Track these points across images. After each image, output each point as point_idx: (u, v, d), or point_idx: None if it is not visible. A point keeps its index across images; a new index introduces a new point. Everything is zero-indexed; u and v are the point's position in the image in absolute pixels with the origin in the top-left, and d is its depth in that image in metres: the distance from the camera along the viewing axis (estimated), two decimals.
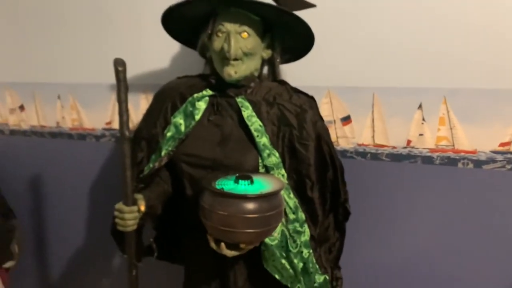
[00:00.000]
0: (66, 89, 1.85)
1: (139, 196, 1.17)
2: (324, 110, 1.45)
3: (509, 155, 1.31)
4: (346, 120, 1.46)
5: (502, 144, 1.31)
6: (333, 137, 1.44)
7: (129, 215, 1.13)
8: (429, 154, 1.38)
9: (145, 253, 1.37)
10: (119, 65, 1.07)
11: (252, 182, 1.09)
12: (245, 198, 1.03)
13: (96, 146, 1.84)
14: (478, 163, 1.34)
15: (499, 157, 1.32)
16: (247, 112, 1.22)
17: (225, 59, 1.17)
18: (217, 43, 1.18)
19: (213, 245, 1.12)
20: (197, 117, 1.23)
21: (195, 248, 1.31)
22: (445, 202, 1.39)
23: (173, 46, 1.53)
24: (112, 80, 1.08)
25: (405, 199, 1.43)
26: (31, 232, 2.05)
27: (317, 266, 1.26)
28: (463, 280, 1.41)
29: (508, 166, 1.31)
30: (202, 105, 1.24)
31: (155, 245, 1.39)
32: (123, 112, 1.09)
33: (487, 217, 1.35)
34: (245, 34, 1.17)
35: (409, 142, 1.40)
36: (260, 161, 1.21)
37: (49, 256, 2.05)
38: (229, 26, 1.16)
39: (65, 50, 1.81)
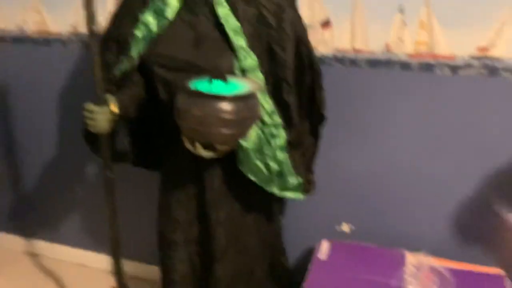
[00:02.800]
0: None
1: (110, 97, 1.14)
2: (304, 12, 1.38)
3: (485, 61, 1.30)
4: (326, 23, 1.41)
5: (480, 49, 1.30)
6: (312, 41, 1.39)
7: (101, 116, 1.10)
8: (407, 60, 1.37)
9: (120, 158, 1.36)
10: None
11: (227, 82, 1.06)
12: (222, 98, 1.01)
13: (63, 52, 1.74)
14: (455, 69, 1.33)
15: (475, 63, 1.31)
16: (223, 10, 1.16)
17: None
18: None
19: (188, 145, 1.11)
20: (168, 15, 1.16)
21: (170, 152, 1.31)
22: (422, 108, 1.40)
23: None
24: None
25: (382, 105, 1.43)
26: None
27: (292, 169, 1.28)
28: (435, 182, 1.46)
29: (484, 72, 1.31)
30: (173, 2, 1.17)
31: (130, 149, 1.37)
32: (89, 4, 1.01)
33: (462, 122, 1.38)
34: None
35: (388, 46, 1.37)
36: (236, 63, 1.17)
37: (20, 168, 2.03)
38: None
39: None
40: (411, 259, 1.41)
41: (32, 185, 2.05)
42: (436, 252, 1.40)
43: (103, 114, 1.10)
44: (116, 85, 1.24)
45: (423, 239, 1.47)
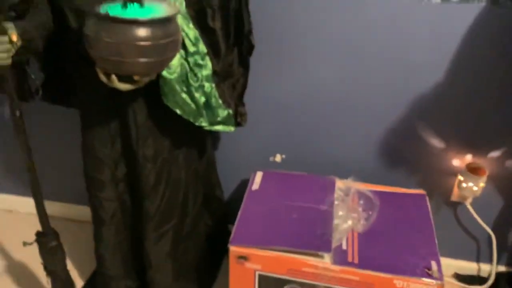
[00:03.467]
0: None
1: (9, 25, 1.00)
2: None
3: None
4: None
5: None
6: None
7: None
8: None
9: (31, 94, 1.24)
10: None
11: (142, 6, 0.97)
12: (135, 22, 0.92)
13: None
14: None
15: None
16: None
17: None
18: None
19: (102, 78, 1.02)
20: None
21: (87, 87, 1.21)
22: (347, 29, 1.37)
23: None
24: None
25: (306, 28, 1.39)
26: None
27: (220, 101, 1.25)
28: (358, 107, 1.48)
29: None
30: None
31: (38, 83, 1.25)
32: None
33: (385, 43, 1.36)
34: None
35: None
36: None
37: None
38: None
39: None
40: (340, 185, 1.45)
41: None
42: (364, 178, 1.45)
43: (2, 45, 0.97)
44: (17, 11, 1.09)
45: (351, 165, 1.51)
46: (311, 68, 1.45)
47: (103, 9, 0.95)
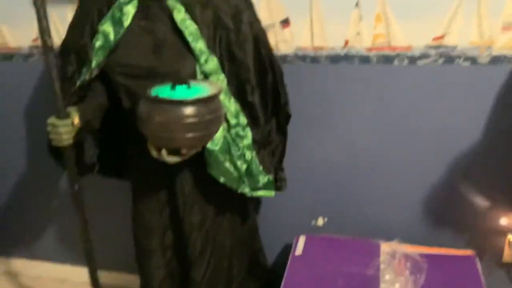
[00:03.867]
0: None
1: (72, 109, 1.13)
2: (263, 13, 1.40)
3: (441, 49, 1.34)
4: (285, 22, 1.43)
5: (435, 38, 1.33)
6: (272, 41, 1.41)
7: (63, 129, 1.09)
8: (366, 53, 1.40)
9: (88, 169, 1.35)
10: None
11: (189, 87, 1.07)
12: (182, 103, 1.02)
13: (25, 67, 1.72)
14: (413, 60, 1.37)
15: (432, 52, 1.35)
16: (180, 15, 1.16)
17: None
18: None
19: (154, 153, 1.11)
20: (126, 23, 1.16)
21: (139, 160, 1.31)
22: (383, 99, 1.43)
23: None
24: None
25: (344, 99, 1.46)
26: None
27: (261, 168, 1.30)
28: (399, 173, 1.50)
29: (441, 60, 1.35)
30: (130, 10, 1.16)
31: (96, 159, 1.36)
32: (42, 18, 1.01)
33: (422, 110, 1.41)
34: None
35: (346, 42, 1.40)
36: (197, 67, 1.18)
37: None
38: None
39: None
40: (386, 247, 1.44)
41: (3, 203, 2.01)
42: (410, 239, 1.44)
43: (65, 127, 1.09)
44: (78, 96, 1.23)
45: (395, 227, 1.50)
46: (350, 132, 1.50)
47: (154, 92, 1.06)
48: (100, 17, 1.20)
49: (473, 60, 1.33)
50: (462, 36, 1.32)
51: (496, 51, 1.31)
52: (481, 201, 1.46)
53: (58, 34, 1.57)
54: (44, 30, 1.01)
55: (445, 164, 1.46)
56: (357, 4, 1.35)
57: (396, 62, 1.38)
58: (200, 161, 1.22)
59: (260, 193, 1.34)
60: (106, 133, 1.37)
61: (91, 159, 1.37)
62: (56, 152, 1.19)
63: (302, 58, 1.45)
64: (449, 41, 1.33)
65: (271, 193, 1.36)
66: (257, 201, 1.63)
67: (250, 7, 1.23)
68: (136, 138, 1.21)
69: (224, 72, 1.22)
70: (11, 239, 2.07)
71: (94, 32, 1.20)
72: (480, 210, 1.47)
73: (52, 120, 1.10)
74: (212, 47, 1.19)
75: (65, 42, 1.27)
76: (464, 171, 1.45)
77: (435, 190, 1.49)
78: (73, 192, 1.18)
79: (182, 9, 1.16)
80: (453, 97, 1.38)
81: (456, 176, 1.46)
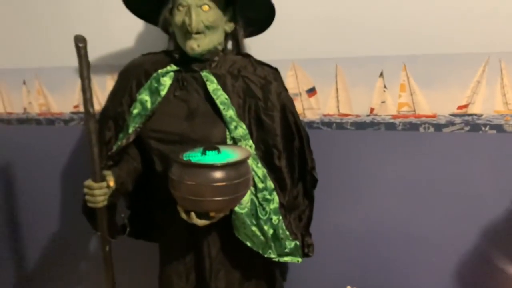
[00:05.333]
0: (31, 73, 1.83)
1: (107, 173, 1.18)
2: (290, 83, 1.48)
3: (466, 117, 1.36)
4: (311, 91, 1.49)
5: (460, 107, 1.36)
6: (299, 109, 1.47)
7: (99, 191, 1.14)
8: (391, 120, 1.43)
9: (119, 231, 1.38)
10: (79, 42, 1.07)
11: (219, 152, 1.11)
12: (212, 167, 1.06)
13: (65, 131, 1.83)
14: (438, 127, 1.39)
15: (457, 120, 1.37)
16: (213, 85, 1.24)
17: (187, 33, 1.18)
18: (179, 17, 1.19)
19: (183, 215, 1.14)
20: (163, 93, 1.24)
21: (167, 223, 1.34)
22: (409, 165, 1.44)
23: (136, 24, 1.53)
24: (77, 63, 1.08)
25: (370, 165, 1.48)
26: (3, 221, 2.03)
27: (287, 233, 1.30)
28: (427, 241, 1.47)
29: (466, 128, 1.37)
30: (167, 81, 1.25)
31: (127, 222, 1.40)
32: (86, 89, 1.09)
33: (449, 177, 1.41)
34: (206, 7, 1.18)
35: (372, 110, 1.44)
36: (227, 133, 1.24)
37: (23, 244, 2.04)
38: (189, 0, 1.17)
39: (28, 34, 1.78)
40: None
41: (35, 263, 2.04)
42: None
43: (101, 189, 1.14)
44: (114, 160, 1.29)
45: None
46: (377, 198, 1.51)
47: (186, 156, 1.11)
48: (139, 87, 1.28)
49: (499, 128, 1.34)
50: (487, 105, 1.34)
51: None
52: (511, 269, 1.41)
53: (98, 101, 1.68)
54: (87, 100, 1.09)
55: (474, 232, 1.43)
56: (381, 74, 1.41)
57: (421, 129, 1.41)
58: (227, 225, 1.24)
59: (287, 258, 1.33)
60: (137, 196, 1.42)
61: (123, 221, 1.40)
62: (90, 213, 1.24)
63: (328, 124, 1.50)
64: (474, 109, 1.35)
65: (298, 259, 1.34)
66: (284, 267, 1.61)
67: (278, 78, 1.30)
68: (166, 201, 1.25)
69: (252, 138, 1.27)
70: None
71: (132, 101, 1.29)
72: (510, 279, 1.41)
73: (88, 182, 1.15)
74: (241, 114, 1.25)
75: (105, 109, 1.36)
76: (494, 240, 1.41)
77: (464, 258, 1.45)
78: (105, 254, 1.21)
79: (215, 80, 1.24)
80: (481, 164, 1.38)
81: (485, 244, 1.42)
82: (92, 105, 1.10)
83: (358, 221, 1.53)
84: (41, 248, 2.01)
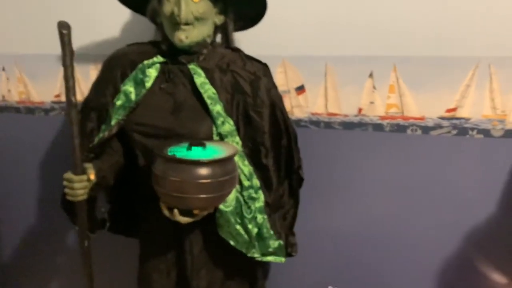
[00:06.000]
0: (11, 60, 1.76)
1: (88, 165, 1.14)
2: (279, 80, 1.46)
3: (454, 121, 1.36)
4: (300, 89, 1.47)
5: (448, 110, 1.36)
6: (287, 106, 1.45)
7: (78, 184, 1.10)
8: (379, 121, 1.42)
9: (98, 225, 1.35)
10: (63, 28, 1.02)
11: (205, 148, 1.09)
12: (198, 163, 1.03)
13: (45, 120, 1.77)
14: (426, 129, 1.39)
15: (445, 123, 1.37)
16: (200, 79, 1.20)
17: (176, 24, 1.15)
18: (168, 7, 1.15)
19: (166, 212, 1.11)
20: (148, 84, 1.20)
21: (149, 219, 1.30)
22: (395, 167, 1.44)
23: (123, 13, 1.48)
24: (60, 50, 1.03)
25: (357, 165, 1.47)
26: None
27: (272, 232, 1.28)
28: (411, 243, 1.47)
29: (454, 132, 1.37)
30: (153, 73, 1.21)
31: (107, 216, 1.36)
32: (69, 77, 1.05)
33: (435, 180, 1.41)
34: None
35: (360, 110, 1.43)
36: (214, 129, 1.21)
37: (0, 235, 1.98)
38: None
39: (9, 19, 1.72)
40: None
41: (11, 256, 1.98)
42: None
43: (81, 183, 1.10)
44: (95, 153, 1.25)
45: None
46: (362, 199, 1.50)
47: (170, 151, 1.08)
48: (123, 77, 1.24)
49: (486, 133, 1.34)
50: (475, 109, 1.34)
51: (509, 125, 1.32)
52: (494, 275, 1.41)
53: (81, 91, 1.63)
54: (70, 89, 1.05)
55: (459, 235, 1.43)
56: (371, 75, 1.40)
57: (409, 131, 1.40)
58: (210, 223, 1.21)
59: (270, 258, 1.31)
60: (118, 190, 1.38)
61: (102, 215, 1.36)
62: (69, 206, 1.20)
63: (316, 123, 1.48)
64: (462, 113, 1.35)
65: (281, 259, 1.33)
66: (266, 266, 1.59)
67: (268, 74, 1.28)
68: (148, 196, 1.21)
69: (239, 135, 1.24)
70: None
71: (116, 92, 1.24)
72: (493, 284, 1.42)
73: (68, 175, 1.11)
74: (229, 110, 1.22)
75: (87, 99, 1.31)
76: (477, 244, 1.41)
77: (448, 262, 1.45)
78: (83, 249, 1.17)
79: (202, 73, 1.21)
80: (467, 168, 1.38)
81: (470, 248, 1.42)
82: (74, 94, 1.06)
83: (343, 221, 1.52)
84: (17, 241, 1.95)
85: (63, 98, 1.73)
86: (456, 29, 1.31)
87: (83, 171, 1.11)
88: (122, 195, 1.41)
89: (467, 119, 1.35)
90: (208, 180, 1.03)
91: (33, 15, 1.68)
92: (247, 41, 1.38)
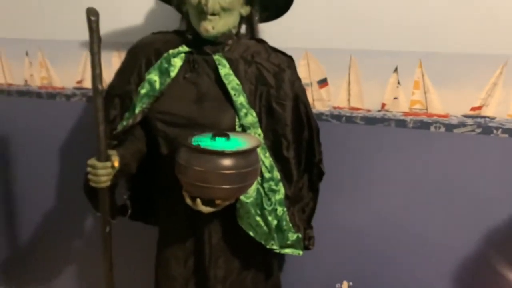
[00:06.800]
0: (34, 45, 1.78)
1: (112, 152, 1.15)
2: (302, 72, 1.44)
3: (479, 119, 1.34)
4: (323, 82, 1.46)
5: (473, 109, 1.34)
6: (309, 99, 1.43)
7: (102, 171, 1.11)
8: (402, 117, 1.41)
9: (119, 212, 1.36)
10: (92, 15, 1.02)
11: (228, 139, 1.09)
12: (222, 154, 1.03)
13: (67, 106, 1.79)
14: (450, 127, 1.37)
15: (469, 121, 1.35)
16: (224, 70, 1.20)
17: (202, 14, 1.14)
18: None
19: (188, 201, 1.12)
20: (173, 74, 1.20)
21: (169, 207, 1.31)
22: (417, 164, 1.42)
23: (148, 1, 1.48)
24: (83, 37, 1.04)
25: (378, 161, 1.46)
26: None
27: (291, 224, 1.28)
28: (430, 241, 1.46)
29: (478, 130, 1.35)
30: (177, 62, 1.21)
31: (129, 203, 1.37)
32: (96, 65, 1.05)
33: (457, 179, 1.40)
34: None
35: (383, 105, 1.42)
36: (237, 120, 1.21)
37: (19, 219, 2.01)
38: None
39: (34, 4, 1.73)
40: None
41: (29, 238, 2.02)
42: None
43: (105, 169, 1.11)
44: (118, 140, 1.26)
45: None
46: (383, 197, 1.48)
47: (195, 141, 1.08)
48: (148, 66, 1.25)
49: (511, 132, 1.32)
50: (501, 108, 1.32)
51: None
52: None
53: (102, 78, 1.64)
54: (96, 76, 1.05)
55: (478, 235, 1.41)
56: (395, 70, 1.38)
57: (432, 128, 1.38)
58: (230, 213, 1.22)
59: (288, 250, 1.32)
60: (139, 177, 1.39)
61: (124, 202, 1.38)
62: (92, 193, 1.21)
63: (337, 117, 1.47)
64: (487, 112, 1.33)
65: (299, 252, 1.33)
66: (282, 258, 1.60)
67: (292, 66, 1.27)
68: (168, 184, 1.22)
69: (261, 126, 1.24)
70: (31, 274, 2.06)
71: (140, 80, 1.25)
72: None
73: (92, 161, 1.12)
74: (252, 101, 1.22)
75: (111, 87, 1.32)
76: (497, 244, 1.40)
77: (466, 261, 1.44)
78: (104, 235, 1.18)
79: (227, 64, 1.21)
80: (490, 167, 1.36)
81: (489, 248, 1.41)
82: (101, 82, 1.07)
83: (361, 217, 1.52)
84: (38, 226, 1.98)
85: (84, 84, 1.75)
86: (484, 26, 1.29)
87: (107, 158, 1.12)
88: (142, 183, 1.42)
89: (492, 118, 1.33)
90: (232, 171, 1.03)
91: (56, 1, 1.69)
92: (271, 32, 1.37)
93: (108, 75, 1.60)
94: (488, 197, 1.37)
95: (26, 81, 1.84)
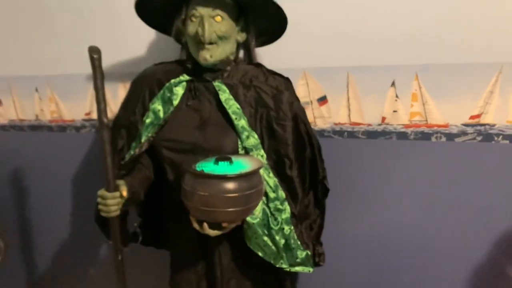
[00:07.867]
0: (43, 81, 1.84)
1: (121, 182, 1.19)
2: (301, 92, 1.48)
3: (479, 127, 1.36)
4: (323, 100, 1.49)
5: (472, 117, 1.36)
6: (310, 117, 1.47)
7: (112, 201, 1.14)
8: (403, 130, 1.43)
9: (131, 239, 1.39)
10: (94, 53, 1.07)
11: (231, 163, 1.12)
12: (225, 178, 1.06)
13: (77, 137, 1.84)
14: (451, 136, 1.39)
15: (470, 130, 1.36)
16: (225, 95, 1.24)
17: (200, 44, 1.19)
18: (192, 28, 1.19)
19: (196, 225, 1.14)
20: (175, 102, 1.24)
21: (179, 231, 1.34)
22: (420, 175, 1.44)
23: (149, 33, 1.54)
24: (89, 70, 1.08)
25: (382, 174, 1.47)
26: (15, 227, 2.04)
27: (299, 242, 1.30)
28: (439, 250, 1.46)
29: (479, 138, 1.36)
30: (179, 90, 1.25)
31: (139, 230, 1.41)
32: (100, 100, 1.10)
33: (460, 187, 1.40)
34: (218, 18, 1.18)
35: (383, 119, 1.44)
36: (239, 143, 1.24)
37: (34, 250, 2.06)
38: (202, 10, 1.17)
39: (40, 42, 1.80)
40: None
41: (45, 269, 2.06)
42: None
43: (114, 199, 1.15)
44: (126, 169, 1.30)
45: None
46: (390, 210, 1.50)
47: (199, 166, 1.11)
48: (151, 96, 1.29)
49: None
50: (500, 115, 1.33)
51: None
52: None
53: (110, 109, 1.69)
54: (101, 111, 1.10)
55: (485, 242, 1.42)
56: (393, 84, 1.41)
57: (433, 139, 1.40)
58: (238, 234, 1.24)
59: (298, 268, 1.33)
60: (148, 203, 1.42)
61: (134, 228, 1.41)
62: (103, 222, 1.24)
63: (339, 133, 1.49)
64: (486, 119, 1.35)
65: (309, 269, 1.34)
66: (294, 276, 1.61)
67: (290, 87, 1.31)
68: (176, 209, 1.25)
69: (264, 148, 1.27)
70: None
71: (144, 110, 1.29)
72: None
73: (102, 192, 1.16)
74: (253, 124, 1.25)
75: (117, 118, 1.37)
76: (505, 250, 1.40)
77: (476, 269, 1.44)
78: (117, 263, 1.21)
79: (227, 90, 1.25)
80: (493, 174, 1.37)
81: (498, 255, 1.40)
82: (106, 116, 1.11)
83: (369, 230, 1.53)
84: (51, 254, 2.02)
85: (93, 116, 1.80)
86: (477, 36, 1.31)
87: (116, 188, 1.16)
88: (152, 208, 1.45)
89: (491, 125, 1.34)
90: (235, 194, 1.06)
91: (62, 38, 1.76)
92: (268, 55, 1.42)
93: (116, 106, 1.67)
94: (493, 204, 1.38)
95: (37, 115, 1.90)
